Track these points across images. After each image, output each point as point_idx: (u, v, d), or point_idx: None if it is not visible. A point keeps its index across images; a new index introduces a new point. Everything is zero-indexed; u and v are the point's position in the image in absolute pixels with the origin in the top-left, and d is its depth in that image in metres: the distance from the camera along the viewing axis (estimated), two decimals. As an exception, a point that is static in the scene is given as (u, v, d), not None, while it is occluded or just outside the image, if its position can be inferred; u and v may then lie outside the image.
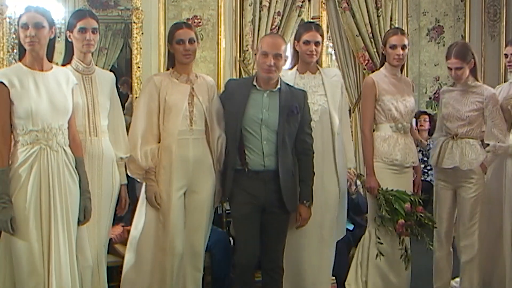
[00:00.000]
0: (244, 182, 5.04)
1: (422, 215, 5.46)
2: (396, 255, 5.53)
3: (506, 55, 5.96)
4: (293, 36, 5.74)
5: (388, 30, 6.45)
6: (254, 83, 5.10)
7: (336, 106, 5.45)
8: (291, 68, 5.54)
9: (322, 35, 5.43)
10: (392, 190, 5.48)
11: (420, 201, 5.51)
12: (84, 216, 4.61)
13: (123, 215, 5.29)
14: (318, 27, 5.47)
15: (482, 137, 5.79)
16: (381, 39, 7.16)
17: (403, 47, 5.61)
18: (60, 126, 4.49)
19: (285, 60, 5.16)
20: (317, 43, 5.36)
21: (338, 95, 5.51)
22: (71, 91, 4.60)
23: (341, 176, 5.49)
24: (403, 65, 5.79)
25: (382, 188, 5.49)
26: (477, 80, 5.75)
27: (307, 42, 5.36)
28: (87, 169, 4.70)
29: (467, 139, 5.69)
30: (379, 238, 5.48)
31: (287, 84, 5.20)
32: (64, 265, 4.44)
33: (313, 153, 5.19)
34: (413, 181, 5.76)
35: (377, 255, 5.48)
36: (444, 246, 5.88)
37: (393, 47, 5.60)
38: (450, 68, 5.67)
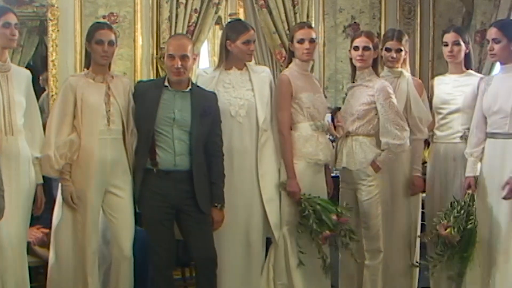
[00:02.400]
0: (154, 182, 5.03)
1: (347, 227, 5.35)
2: (316, 264, 5.41)
3: (446, 44, 5.72)
4: (211, 33, 5.70)
5: (295, 25, 6.40)
6: (166, 83, 5.08)
7: (263, 101, 5.39)
8: (218, 65, 5.49)
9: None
10: (315, 197, 5.35)
11: (345, 212, 5.36)
12: None
13: (39, 216, 5.23)
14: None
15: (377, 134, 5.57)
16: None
17: (311, 40, 5.46)
18: None
19: (194, 59, 5.18)
20: (255, 42, 5.40)
21: (267, 91, 5.44)
22: None
23: (270, 175, 5.41)
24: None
25: (304, 194, 5.34)
26: (377, 74, 5.57)
27: (247, 42, 5.31)
28: (3, 169, 4.65)
29: (356, 136, 5.49)
30: (300, 247, 5.34)
31: (198, 86, 5.21)
32: None
33: (223, 155, 5.17)
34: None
35: (298, 265, 5.36)
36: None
37: (301, 41, 5.44)
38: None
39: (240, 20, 5.91)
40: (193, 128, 5.01)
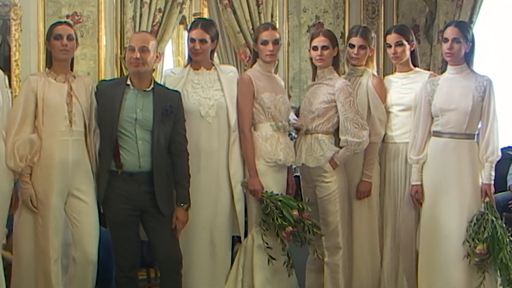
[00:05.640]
0: (118, 185, 4.99)
1: (309, 222, 5.37)
2: (280, 261, 5.41)
3: (389, 45, 5.62)
4: (175, 33, 5.70)
5: (259, 26, 6.37)
6: (128, 82, 5.05)
7: (233, 101, 5.40)
8: (186, 65, 5.49)
9: (208, 32, 5.32)
10: (277, 194, 5.39)
11: (307, 207, 5.39)
12: None
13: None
14: (205, 24, 5.40)
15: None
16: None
17: (275, 42, 5.48)
18: None
19: (157, 57, 5.15)
20: (202, 41, 5.31)
21: (235, 91, 5.45)
22: None
23: (238, 175, 5.43)
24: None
25: (266, 192, 5.37)
26: (337, 73, 5.57)
27: (192, 40, 5.33)
28: None
29: (316, 134, 5.47)
30: (267, 244, 5.34)
31: (161, 85, 5.21)
32: None
33: (188, 154, 5.14)
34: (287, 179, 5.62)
35: (268, 261, 5.34)
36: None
37: (265, 42, 5.45)
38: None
39: (203, 18, 5.87)
40: (154, 128, 4.97)
